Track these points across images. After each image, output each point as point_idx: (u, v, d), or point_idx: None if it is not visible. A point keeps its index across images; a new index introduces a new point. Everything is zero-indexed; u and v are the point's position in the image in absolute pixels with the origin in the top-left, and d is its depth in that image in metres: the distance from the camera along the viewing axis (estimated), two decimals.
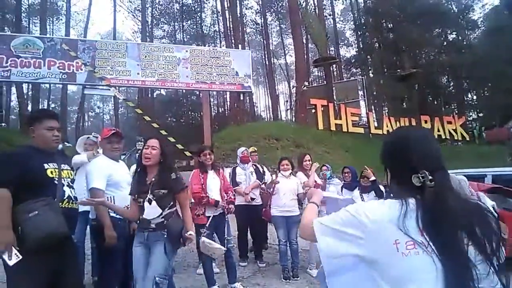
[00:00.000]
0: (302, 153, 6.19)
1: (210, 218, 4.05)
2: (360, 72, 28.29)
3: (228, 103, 31.89)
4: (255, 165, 5.93)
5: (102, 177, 3.07)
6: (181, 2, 34.77)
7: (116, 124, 31.91)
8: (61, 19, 33.03)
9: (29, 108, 23.56)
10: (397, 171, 1.19)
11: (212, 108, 30.20)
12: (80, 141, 4.26)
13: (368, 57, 28.75)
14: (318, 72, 36.32)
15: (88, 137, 4.20)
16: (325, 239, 1.13)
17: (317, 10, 24.68)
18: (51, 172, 2.42)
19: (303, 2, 21.25)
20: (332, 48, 30.64)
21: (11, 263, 2.13)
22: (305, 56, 21.28)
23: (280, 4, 35.60)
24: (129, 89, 27.73)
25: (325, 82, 19.34)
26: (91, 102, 48.84)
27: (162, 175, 2.73)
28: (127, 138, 4.79)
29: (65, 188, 2.50)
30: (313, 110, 13.98)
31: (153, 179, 2.71)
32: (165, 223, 2.68)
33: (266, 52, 36.18)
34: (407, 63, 22.14)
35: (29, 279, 2.19)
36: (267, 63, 35.66)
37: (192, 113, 34.15)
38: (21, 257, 2.14)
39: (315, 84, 28.22)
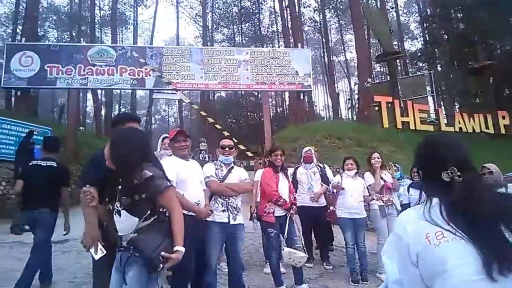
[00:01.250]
0: (370, 151, 5.96)
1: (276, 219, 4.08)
2: (427, 66, 26.62)
3: (287, 102, 31.86)
4: (318, 165, 5.83)
5: (171, 175, 3.21)
6: (239, 5, 35.45)
7: (181, 126, 33.35)
8: (129, 28, 35.41)
9: (103, 112, 25.47)
10: (428, 170, 1.31)
11: (271, 108, 30.40)
12: (159, 142, 4.49)
13: (436, 50, 26.98)
14: (381, 68, 34.94)
15: (165, 137, 4.40)
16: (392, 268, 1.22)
17: (379, 4, 23.75)
18: None
19: None
20: (396, 42, 29.21)
21: (97, 257, 2.29)
22: (367, 52, 20.51)
23: (339, 0, 34.80)
24: (191, 92, 28.83)
25: (389, 78, 18.51)
26: (157, 105, 51.58)
27: (133, 176, 2.00)
28: (191, 139, 4.92)
29: None
30: (377, 108, 13.41)
31: (120, 185, 2.06)
32: (135, 240, 1.99)
33: (325, 49, 35.56)
34: (481, 55, 20.39)
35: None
36: (326, 60, 35.02)
37: (251, 114, 34.66)
38: (105, 252, 2.30)
39: (379, 81, 27.15)
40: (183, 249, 1.98)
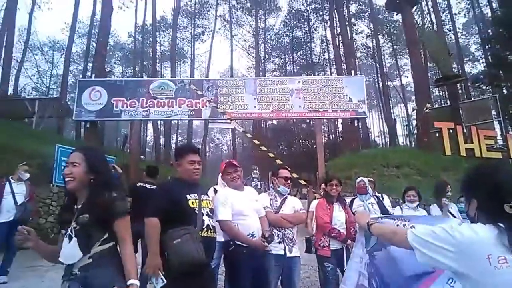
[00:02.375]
0: (440, 181, 5.55)
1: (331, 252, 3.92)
2: (491, 89, 24.99)
3: (340, 129, 31.36)
4: (376, 196, 5.58)
5: (226, 208, 3.23)
6: (291, 36, 36.24)
7: (234, 153, 33.97)
8: (187, 62, 37.50)
9: (162, 141, 26.76)
10: (486, 201, 1.32)
11: (324, 135, 30.06)
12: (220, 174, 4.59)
13: (500, 72, 25.32)
14: (440, 92, 33.38)
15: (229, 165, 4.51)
16: (421, 249, 1.35)
17: (435, 27, 23.01)
18: (192, 203, 2.64)
19: (419, 20, 20.03)
20: (455, 65, 27.93)
21: (158, 286, 2.35)
22: (425, 76, 19.79)
23: (392, 25, 34.29)
24: (243, 120, 29.50)
25: (449, 102, 17.64)
26: (212, 134, 53.25)
27: (93, 197, 1.85)
28: (243, 166, 4.95)
29: (204, 218, 2.69)
30: (438, 134, 12.74)
31: (82, 204, 1.87)
32: (101, 266, 1.75)
33: (379, 75, 34.89)
34: None
35: None
36: (380, 86, 34.25)
37: (303, 141, 34.49)
38: (165, 281, 2.35)
39: (438, 106, 25.93)
40: (137, 282, 1.76)
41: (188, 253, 2.35)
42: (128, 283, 1.73)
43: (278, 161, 11.81)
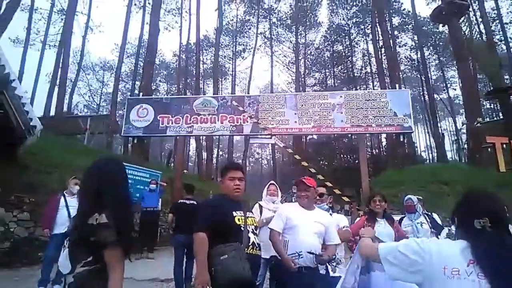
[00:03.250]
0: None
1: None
2: None
3: (384, 144, 30.45)
4: (425, 214, 5.33)
5: (280, 220, 3.26)
6: (331, 50, 36.05)
7: (274, 168, 33.96)
8: (228, 79, 38.33)
9: (204, 156, 27.33)
10: (461, 219, 1.57)
11: (366, 150, 29.28)
12: (265, 188, 4.61)
13: None
14: (490, 105, 31.64)
15: (270, 184, 4.53)
16: (391, 260, 1.55)
17: (484, 37, 21.99)
18: (239, 219, 2.67)
19: (467, 31, 19.23)
20: (507, 76, 26.40)
21: None
22: (474, 89, 18.83)
23: (438, 37, 33.17)
24: (284, 135, 29.49)
25: (502, 116, 16.62)
26: (252, 148, 53.68)
27: (83, 213, 1.78)
28: (283, 181, 4.92)
29: (250, 235, 2.71)
30: (490, 149, 12.01)
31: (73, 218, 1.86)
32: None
33: (425, 88, 33.66)
34: None
35: None
36: (427, 99, 32.99)
37: (345, 156, 33.78)
38: None
39: (490, 119, 24.53)
40: None
41: (234, 269, 2.36)
42: None
43: (320, 177, 11.65)
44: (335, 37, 35.62)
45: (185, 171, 20.10)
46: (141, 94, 17.39)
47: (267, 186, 4.56)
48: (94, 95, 39.23)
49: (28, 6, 26.78)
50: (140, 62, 28.84)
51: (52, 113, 21.32)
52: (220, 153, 42.37)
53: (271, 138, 12.58)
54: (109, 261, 1.69)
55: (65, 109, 23.52)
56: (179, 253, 5.61)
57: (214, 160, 33.41)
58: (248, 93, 31.32)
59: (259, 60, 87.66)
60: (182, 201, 6.18)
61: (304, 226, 3.19)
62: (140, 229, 9.00)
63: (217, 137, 31.51)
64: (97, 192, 1.77)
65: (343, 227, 3.72)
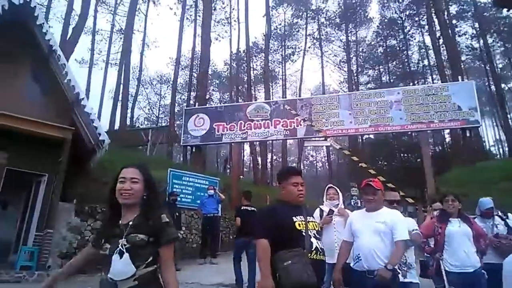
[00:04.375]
0: None
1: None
2: None
3: (447, 140, 28.63)
4: (500, 216, 4.88)
5: (346, 229, 3.26)
6: (384, 45, 34.74)
7: (330, 171, 33.34)
8: (279, 83, 38.42)
9: (259, 160, 27.58)
10: None
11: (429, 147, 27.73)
12: (324, 192, 4.55)
13: None
14: None
15: (330, 187, 4.46)
16: None
17: None
18: (299, 225, 2.62)
19: None
20: None
21: None
22: None
23: (502, 22, 30.58)
24: (337, 137, 28.90)
25: None
26: (305, 151, 53.18)
27: (147, 215, 1.82)
28: (340, 184, 4.80)
29: (312, 240, 2.66)
30: None
31: (132, 220, 1.82)
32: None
33: (490, 78, 31.16)
34: None
35: None
36: (493, 90, 30.51)
37: (405, 155, 32.20)
38: None
39: None
40: None
41: (298, 275, 2.33)
42: None
43: (381, 178, 11.21)
44: (388, 31, 34.26)
45: (241, 176, 20.42)
46: (196, 104, 18.06)
47: (326, 190, 4.48)
48: (153, 108, 41.37)
49: (91, 29, 29.01)
50: (194, 73, 29.95)
51: (117, 126, 22.85)
52: (274, 157, 42.47)
53: (326, 140, 12.39)
54: (166, 258, 1.77)
55: (127, 122, 25.05)
56: (239, 254, 6.28)
57: (269, 165, 33.57)
58: (300, 96, 31.20)
59: (309, 61, 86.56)
60: (244, 208, 6.68)
61: (363, 229, 3.11)
62: (202, 235, 9.28)
63: (271, 141, 31.71)
64: (150, 191, 1.90)
65: (413, 230, 3.54)
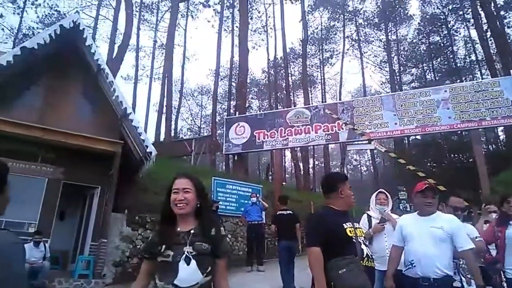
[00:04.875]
0: None
1: None
2: None
3: (501, 138, 26.89)
4: None
5: (396, 232, 3.14)
6: (427, 42, 33.40)
7: (375, 174, 32.40)
8: (317, 87, 38.07)
9: (301, 166, 27.38)
10: None
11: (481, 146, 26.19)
12: (373, 197, 4.39)
13: None
14: None
15: (379, 192, 4.31)
16: None
17: None
18: (350, 231, 2.57)
19: None
20: None
21: None
22: None
23: None
24: (382, 139, 28.04)
25: None
26: (349, 155, 52.09)
27: (205, 225, 1.88)
28: (386, 188, 4.61)
29: (363, 247, 2.61)
30: None
31: (193, 229, 1.85)
32: None
33: None
34: None
35: None
36: None
37: (455, 155, 30.57)
38: None
39: None
40: None
41: (355, 283, 2.30)
42: None
43: (431, 180, 10.70)
44: (430, 28, 32.88)
45: (283, 183, 20.35)
46: (237, 113, 18.29)
47: (375, 195, 4.32)
48: (195, 118, 42.58)
49: (134, 46, 30.42)
50: (233, 82, 30.45)
51: (162, 138, 23.69)
52: (316, 163, 41.97)
53: (370, 143, 12.06)
54: (222, 269, 1.86)
55: (172, 133, 25.88)
56: (284, 256, 6.51)
57: (311, 171, 33.20)
58: (340, 99, 30.69)
59: (348, 64, 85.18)
60: (280, 212, 7.03)
61: (417, 233, 2.97)
62: (248, 243, 9.33)
63: (312, 147, 31.39)
64: (203, 200, 1.97)
65: (475, 237, 3.35)
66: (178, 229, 1.86)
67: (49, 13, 27.34)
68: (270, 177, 25.87)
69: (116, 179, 8.40)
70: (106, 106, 9.09)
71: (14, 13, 26.62)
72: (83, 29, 8.80)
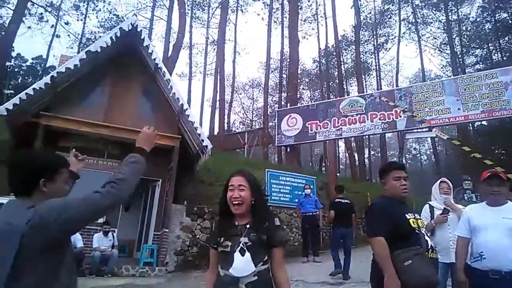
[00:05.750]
0: None
1: None
2: None
3: None
4: None
5: (462, 223, 2.97)
6: (493, 20, 30.71)
7: (437, 163, 30.71)
8: (372, 74, 36.67)
9: (356, 157, 26.72)
10: None
11: None
12: (435, 186, 4.18)
13: None
14: None
15: (442, 181, 4.10)
16: None
17: None
18: (413, 222, 2.47)
19: None
20: None
21: None
22: None
23: None
24: (444, 126, 26.43)
25: None
26: (407, 144, 49.76)
27: (260, 218, 1.96)
28: (449, 177, 4.33)
29: (426, 238, 2.51)
30: None
31: (249, 222, 1.96)
32: (265, 285, 1.85)
33: None
34: None
35: None
36: None
37: None
38: None
39: None
40: None
41: (423, 275, 2.21)
42: None
43: (499, 168, 9.95)
44: (496, 4, 30.18)
45: (338, 174, 20.02)
46: (288, 104, 18.23)
47: (438, 184, 4.11)
48: (247, 112, 43.06)
49: (188, 44, 31.39)
50: (283, 74, 30.34)
51: (215, 132, 24.33)
52: (372, 152, 40.62)
53: (430, 131, 11.43)
54: (279, 258, 1.92)
55: (225, 127, 26.46)
56: (337, 241, 6.97)
57: (367, 161, 32.21)
58: (397, 85, 29.35)
59: (404, 48, 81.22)
60: (338, 200, 7.24)
61: (487, 225, 2.79)
62: (303, 234, 9.34)
63: (367, 136, 30.44)
64: (258, 196, 2.01)
65: None
66: (236, 222, 1.97)
67: (108, 17, 29.18)
68: (323, 169, 25.52)
69: (175, 172, 8.81)
70: (164, 103, 9.53)
71: (78, 20, 28.70)
72: (141, 30, 9.27)
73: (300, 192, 10.59)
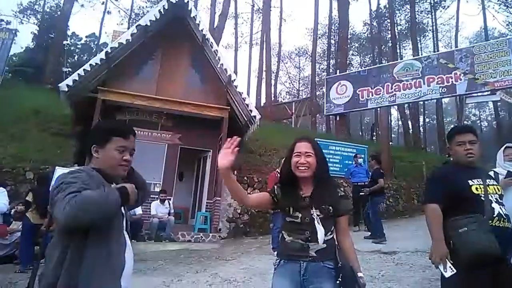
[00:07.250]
0: None
1: None
2: None
3: None
4: None
5: None
6: None
7: (498, 130, 28.58)
8: (428, 36, 34.15)
9: (410, 125, 25.52)
10: None
11: None
12: (500, 153, 3.92)
13: None
14: None
15: (507, 147, 3.82)
16: None
17: None
18: (477, 188, 2.35)
19: None
20: None
21: (447, 275, 2.21)
22: None
23: None
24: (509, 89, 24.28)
25: None
26: (466, 110, 46.53)
27: (327, 187, 1.96)
28: None
29: (494, 205, 2.36)
30: None
31: (314, 193, 1.94)
32: (331, 252, 1.87)
33: None
34: None
35: None
36: None
37: None
38: (455, 270, 2.18)
39: None
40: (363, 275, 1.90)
41: (477, 243, 2.13)
42: (359, 275, 1.86)
43: None
44: None
45: (390, 143, 19.33)
46: (337, 71, 17.65)
47: (502, 150, 3.82)
48: (294, 81, 42.28)
49: (233, 14, 31.06)
50: (332, 40, 29.21)
51: (262, 103, 24.28)
52: (427, 120, 38.56)
53: (494, 94, 10.57)
54: (344, 226, 2.00)
55: (272, 98, 26.30)
56: (376, 208, 7.39)
57: (421, 129, 30.66)
58: (456, 46, 27.16)
59: (464, 5, 74.04)
60: (382, 170, 7.83)
61: None
62: (354, 203, 9.21)
63: (422, 103, 28.88)
64: (321, 164, 2.01)
65: None
66: (301, 192, 1.97)
67: None
68: (374, 138, 24.70)
69: (225, 142, 8.99)
70: (212, 74, 9.63)
71: None
72: (187, 1, 9.29)
73: (350, 162, 10.39)
